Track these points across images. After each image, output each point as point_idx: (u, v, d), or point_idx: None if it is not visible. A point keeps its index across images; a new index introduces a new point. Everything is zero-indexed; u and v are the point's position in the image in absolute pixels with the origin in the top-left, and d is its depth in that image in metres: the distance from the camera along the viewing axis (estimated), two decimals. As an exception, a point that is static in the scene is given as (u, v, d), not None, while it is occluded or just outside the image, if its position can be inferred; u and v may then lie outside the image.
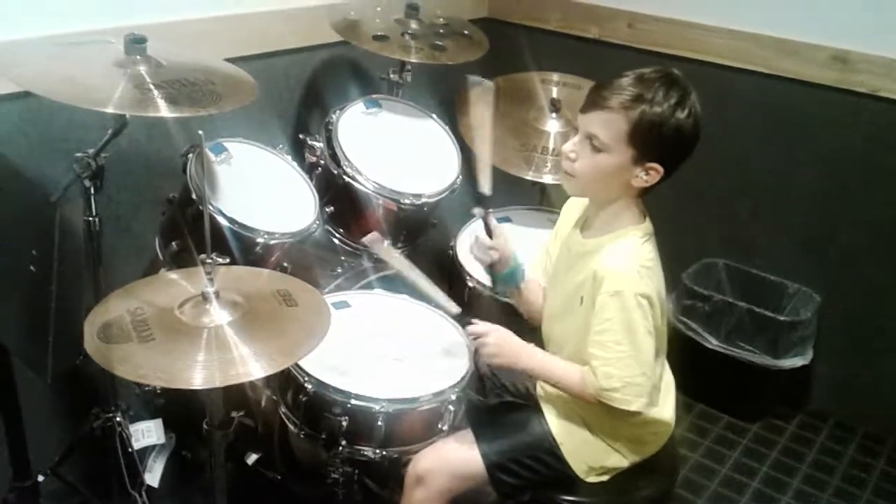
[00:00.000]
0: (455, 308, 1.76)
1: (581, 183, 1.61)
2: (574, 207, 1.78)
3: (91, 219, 1.73)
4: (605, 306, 1.53)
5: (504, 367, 1.70)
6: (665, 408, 1.71)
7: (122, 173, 2.06)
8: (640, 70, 1.54)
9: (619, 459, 1.69)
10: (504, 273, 1.78)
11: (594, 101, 1.54)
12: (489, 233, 1.75)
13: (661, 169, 1.54)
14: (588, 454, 1.67)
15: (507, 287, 1.82)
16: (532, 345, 1.71)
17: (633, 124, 1.50)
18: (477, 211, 1.76)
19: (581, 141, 1.57)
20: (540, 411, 1.71)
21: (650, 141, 1.51)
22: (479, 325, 1.68)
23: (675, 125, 1.50)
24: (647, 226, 1.62)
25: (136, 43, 1.61)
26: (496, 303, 1.96)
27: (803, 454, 2.66)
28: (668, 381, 1.75)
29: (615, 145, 1.52)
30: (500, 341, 1.66)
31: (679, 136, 1.52)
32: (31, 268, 1.74)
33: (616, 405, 1.55)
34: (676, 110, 1.50)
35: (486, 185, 1.70)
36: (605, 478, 1.69)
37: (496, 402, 1.71)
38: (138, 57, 1.61)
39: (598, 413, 1.63)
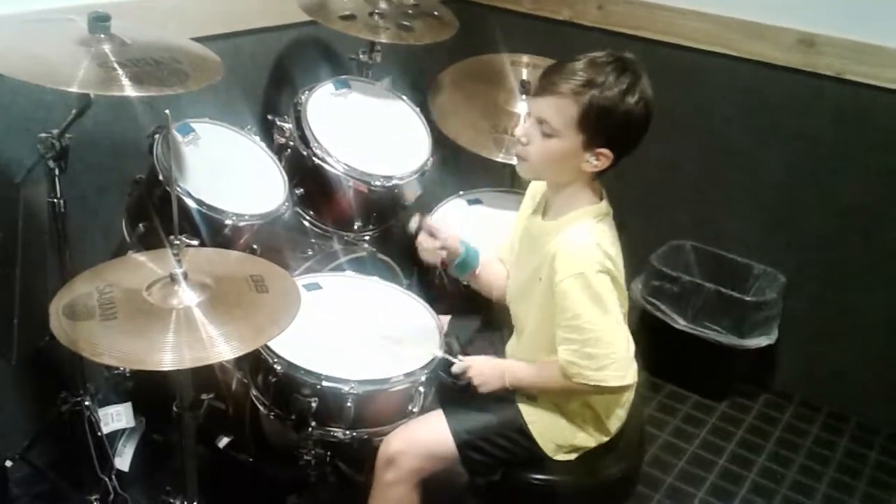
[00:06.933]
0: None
1: (533, 166, 1.62)
2: (538, 189, 1.79)
3: (56, 200, 1.71)
4: (570, 289, 1.53)
5: (495, 390, 1.70)
6: None
7: (88, 154, 2.03)
8: (592, 54, 1.54)
9: (586, 438, 1.71)
10: (458, 261, 1.81)
11: (545, 87, 1.54)
12: (432, 235, 1.77)
13: (610, 154, 1.54)
14: (556, 433, 1.69)
15: (464, 273, 1.85)
16: (510, 360, 1.75)
17: (583, 110, 1.50)
18: (413, 223, 1.78)
19: (532, 125, 1.57)
20: (510, 392, 1.72)
21: (599, 127, 1.51)
22: (457, 366, 1.72)
23: (625, 111, 1.50)
24: (603, 206, 1.63)
25: (99, 21, 1.59)
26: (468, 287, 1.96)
27: (769, 432, 2.70)
28: None
29: (565, 130, 1.53)
30: (481, 370, 1.70)
31: (628, 122, 1.52)
32: (-6, 250, 1.71)
33: (610, 384, 1.54)
34: (626, 96, 1.49)
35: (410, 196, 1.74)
36: (572, 456, 1.71)
37: (466, 383, 1.72)
38: (102, 35, 1.59)
39: (565, 396, 1.67)
